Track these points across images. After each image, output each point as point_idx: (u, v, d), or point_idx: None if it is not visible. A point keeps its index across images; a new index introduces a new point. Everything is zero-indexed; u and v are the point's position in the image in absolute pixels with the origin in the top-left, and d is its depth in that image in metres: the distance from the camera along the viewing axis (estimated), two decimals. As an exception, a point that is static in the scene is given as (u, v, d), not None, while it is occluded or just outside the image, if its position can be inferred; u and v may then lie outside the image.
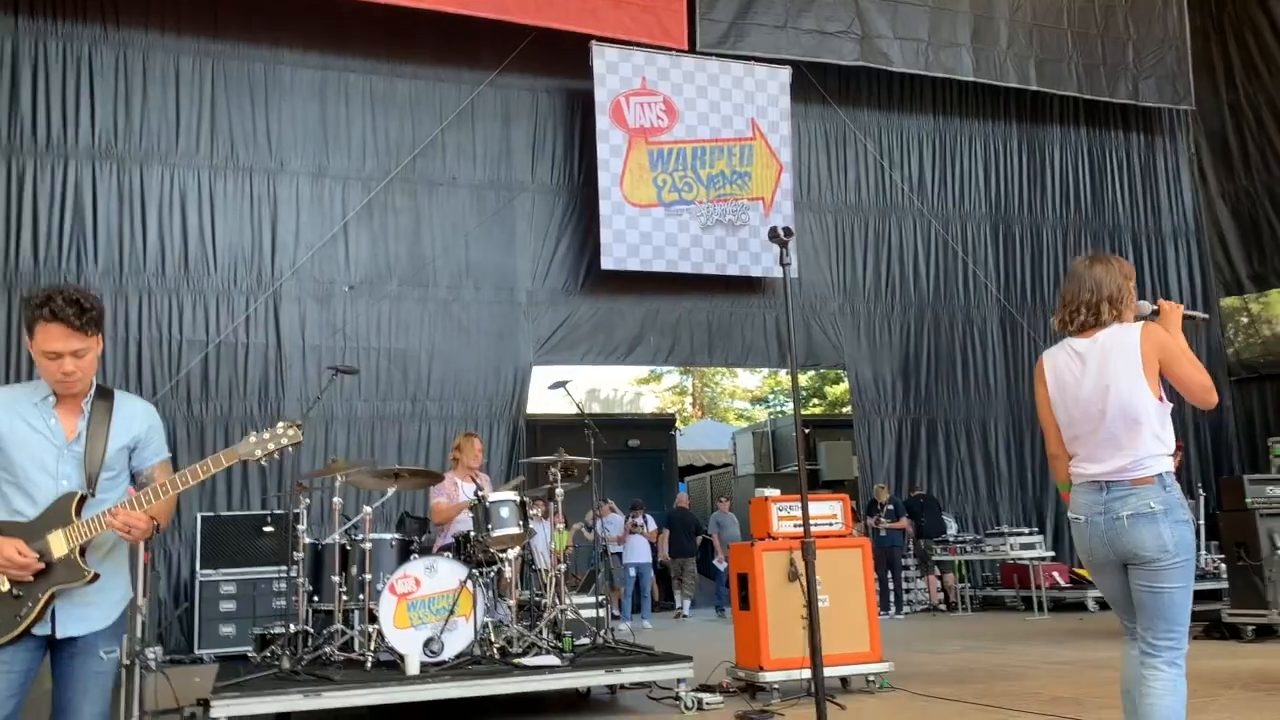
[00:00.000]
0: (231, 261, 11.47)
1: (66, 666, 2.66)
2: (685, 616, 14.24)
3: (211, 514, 10.46)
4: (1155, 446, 3.10)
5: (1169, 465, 3.13)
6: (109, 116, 11.23)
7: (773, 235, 3.04)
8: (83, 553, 2.66)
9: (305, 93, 12.01)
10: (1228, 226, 15.76)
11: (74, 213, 10.97)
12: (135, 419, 2.83)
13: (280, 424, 2.81)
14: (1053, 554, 13.01)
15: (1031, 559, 12.23)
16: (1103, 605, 11.99)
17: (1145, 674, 3.10)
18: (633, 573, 12.96)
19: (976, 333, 14.61)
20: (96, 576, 2.67)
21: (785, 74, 13.32)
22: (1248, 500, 8.14)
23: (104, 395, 2.82)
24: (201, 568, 10.02)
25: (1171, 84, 15.25)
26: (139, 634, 4.98)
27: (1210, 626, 8.53)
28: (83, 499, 2.68)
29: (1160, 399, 3.12)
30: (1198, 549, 6.79)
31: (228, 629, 9.89)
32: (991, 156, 15.16)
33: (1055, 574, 12.66)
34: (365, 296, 11.92)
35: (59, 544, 2.63)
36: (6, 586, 2.59)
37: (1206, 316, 3.04)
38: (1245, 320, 15.84)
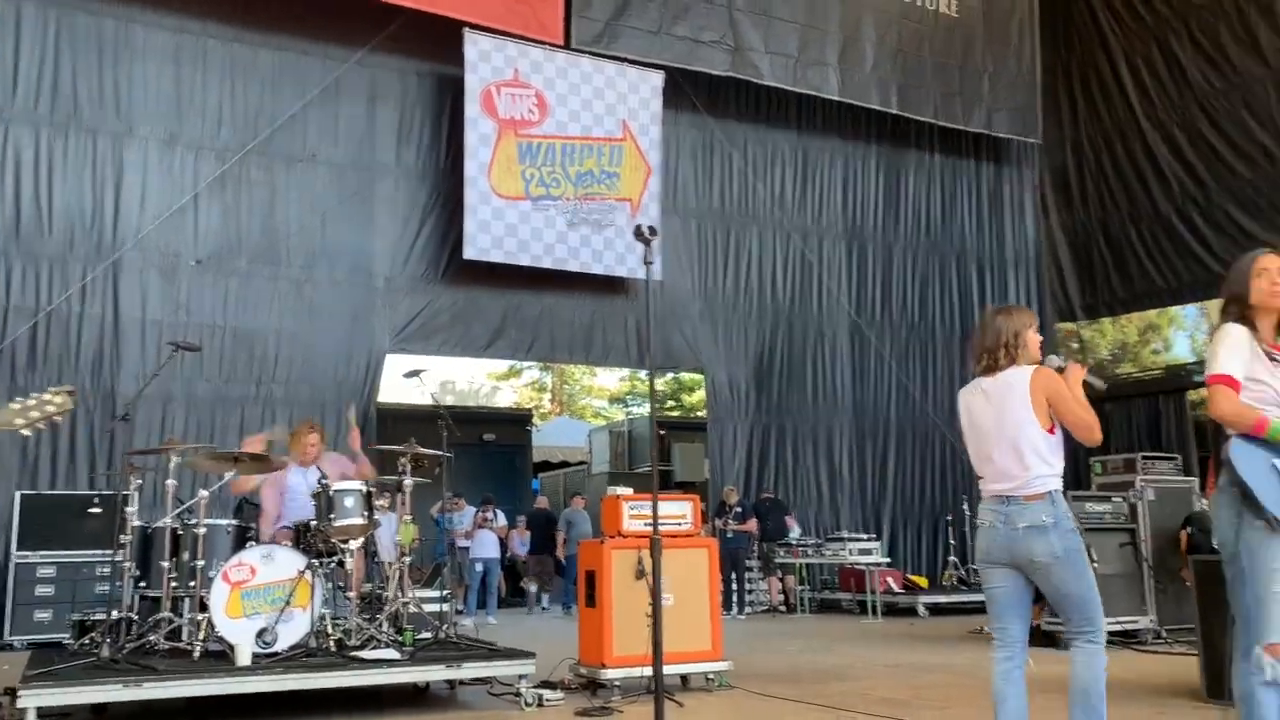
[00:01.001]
0: (68, 226, 10.80)
1: None
2: (545, 609, 14.32)
3: (33, 492, 9.84)
4: (1043, 469, 3.67)
5: (1058, 485, 3.70)
6: (-64, 62, 10.44)
7: (637, 234, 3.07)
8: None
9: (159, 55, 11.42)
10: (1065, 257, 16.72)
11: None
12: None
13: (50, 389, 2.56)
14: (888, 560, 13.53)
15: (868, 564, 12.68)
16: (933, 611, 12.56)
17: (1072, 653, 3.65)
18: (479, 568, 12.82)
19: (827, 344, 15.07)
20: None
21: (658, 78, 13.44)
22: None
23: None
24: (18, 549, 9.41)
25: (1021, 117, 16.09)
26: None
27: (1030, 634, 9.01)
28: None
29: (1050, 430, 3.68)
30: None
31: (44, 614, 9.32)
32: (850, 175, 15.66)
33: (889, 579, 13.18)
34: (213, 272, 11.42)
35: None
36: None
37: (1105, 386, 3.31)
38: (1076, 346, 16.85)
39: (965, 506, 14.71)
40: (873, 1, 14.95)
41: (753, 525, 13.14)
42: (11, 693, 5.23)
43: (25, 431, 2.44)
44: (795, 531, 13.88)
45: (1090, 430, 3.68)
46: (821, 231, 15.34)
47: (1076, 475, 14.95)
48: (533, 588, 15.05)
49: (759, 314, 14.69)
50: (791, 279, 14.98)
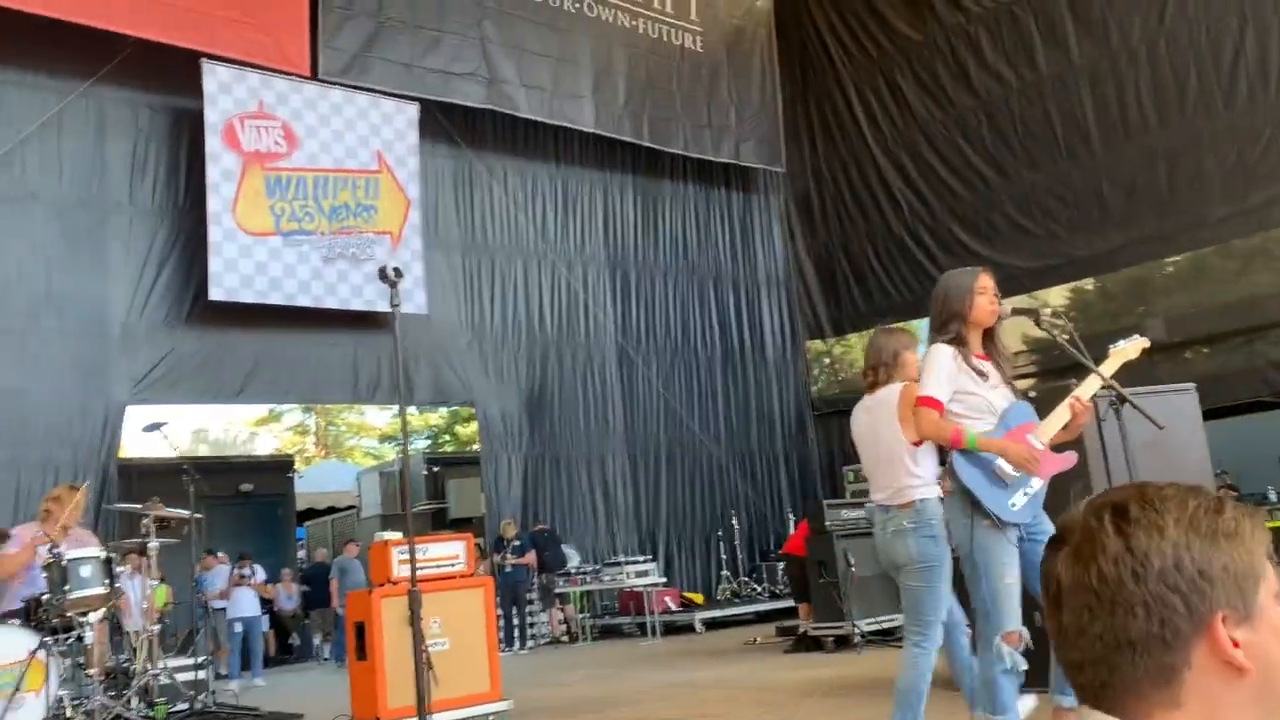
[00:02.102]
0: None
1: None
2: (328, 660, 13.69)
3: None
4: (910, 479, 3.91)
5: (926, 493, 3.91)
6: None
7: (382, 275, 2.98)
8: None
9: None
10: (811, 278, 17.71)
11: None
12: None
13: None
14: (664, 580, 13.81)
15: (645, 585, 12.89)
16: (709, 626, 12.91)
17: (903, 653, 3.92)
18: (239, 628, 12.03)
19: (597, 371, 15.28)
20: None
21: (413, 109, 13.24)
22: (826, 523, 9.09)
23: None
24: None
25: (767, 147, 16.98)
26: None
27: (796, 640, 9.43)
28: None
29: (917, 442, 3.90)
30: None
31: None
32: (610, 204, 15.99)
33: (667, 599, 13.44)
34: (-83, 325, 10.25)
35: None
36: None
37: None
38: (828, 361, 17.89)
39: (734, 521, 15.25)
40: (622, 36, 15.38)
41: (532, 558, 13.08)
42: None
43: None
44: (574, 560, 13.93)
45: (923, 434, 3.83)
46: (585, 260, 15.57)
47: (835, 483, 15.88)
48: (315, 640, 14.37)
49: (528, 344, 14.71)
50: (558, 308, 15.10)
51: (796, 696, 6.52)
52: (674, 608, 13.48)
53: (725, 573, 14.86)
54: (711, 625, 12.95)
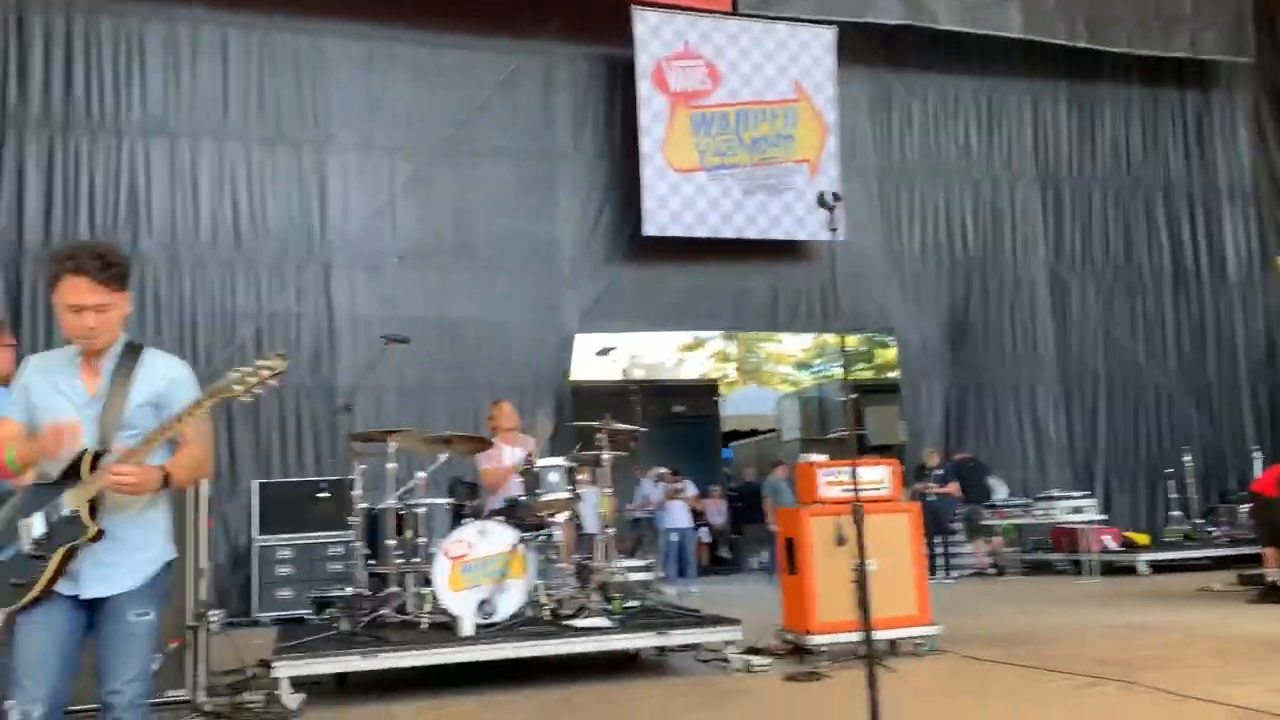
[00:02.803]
0: (282, 233, 11.65)
1: (100, 629, 2.63)
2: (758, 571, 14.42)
3: (268, 480, 10.70)
4: None
5: None
6: (159, 92, 11.41)
7: (820, 200, 3.04)
8: (93, 510, 2.60)
9: (352, 64, 12.10)
10: (1286, 185, 15.36)
11: (129, 188, 11.19)
12: (156, 376, 2.77)
13: (263, 356, 2.67)
14: (1103, 518, 12.89)
15: (1081, 522, 12.12)
16: (1155, 569, 11.91)
17: None
18: (674, 537, 13.00)
19: (1025, 295, 14.44)
20: (101, 534, 2.60)
21: (830, 34, 13.16)
22: None
23: (131, 352, 2.78)
24: (260, 533, 10.27)
25: (1231, 34, 14.82)
26: (201, 597, 5.16)
27: (1264, 590, 8.47)
28: (97, 456, 2.63)
29: None
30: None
31: (285, 593, 10.15)
32: (1040, 116, 14.90)
33: (1105, 537, 12.56)
34: (413, 268, 12.04)
35: (69, 501, 2.60)
36: (28, 547, 2.58)
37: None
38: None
39: (1185, 458, 13.85)
40: (1053, -72, 14.10)
41: (955, 488, 12.79)
42: (266, 664, 5.75)
43: (245, 398, 2.63)
44: (1001, 492, 13.43)
45: None
46: (1012, 178, 14.68)
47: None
48: (747, 554, 15.25)
49: (950, 268, 14.23)
50: (982, 230, 14.43)
51: (1265, 650, 5.87)
52: (1113, 547, 12.56)
53: (1175, 513, 13.57)
54: (1158, 568, 11.93)
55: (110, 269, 2.65)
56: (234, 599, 10.46)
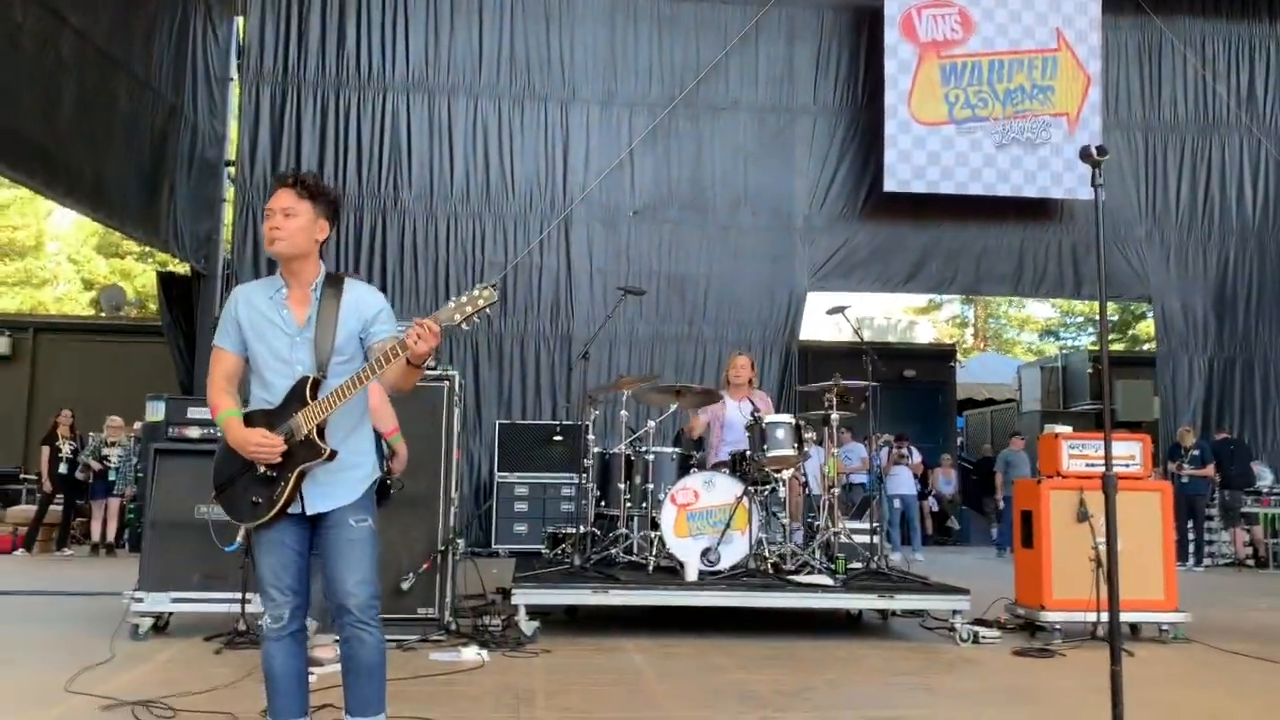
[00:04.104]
0: (528, 187, 12.16)
1: (323, 539, 2.84)
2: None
3: (508, 422, 11.30)
4: None
5: None
6: (420, 50, 12.12)
7: (1084, 155, 2.88)
8: (320, 433, 2.78)
9: (596, 17, 12.40)
10: None
11: (391, 142, 11.99)
12: (364, 304, 2.89)
13: (476, 287, 2.76)
14: (1388, 514, 11.61)
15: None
16: None
17: None
18: (897, 504, 12.71)
19: (1307, 263, 13.08)
20: (334, 454, 2.79)
21: (1096, -21, 12.28)
22: None
23: (333, 282, 2.90)
24: (499, 470, 10.90)
25: None
26: (452, 524, 5.55)
27: None
28: (316, 382, 2.79)
29: None
30: None
31: (520, 527, 10.74)
32: (1339, 64, 13.35)
33: (1391, 536, 11.31)
34: (648, 221, 12.29)
35: (299, 426, 2.76)
36: (262, 470, 2.79)
37: None
38: None
39: None
40: None
41: (1211, 470, 11.84)
42: (505, 592, 6.13)
43: (464, 326, 2.76)
44: (1267, 478, 12.32)
45: None
46: (1300, 133, 13.27)
47: None
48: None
49: (1220, 232, 13.07)
50: (1262, 190, 13.14)
51: None
52: (1399, 548, 11.30)
53: None
54: None
55: (306, 185, 2.86)
56: (474, 530, 11.19)
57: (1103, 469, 6.18)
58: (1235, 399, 12.95)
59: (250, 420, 2.83)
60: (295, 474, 2.79)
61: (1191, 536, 11.70)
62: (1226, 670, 5.19)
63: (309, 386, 2.81)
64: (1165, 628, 6.05)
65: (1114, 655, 2.46)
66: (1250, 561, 12.20)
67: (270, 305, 2.89)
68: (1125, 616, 5.87)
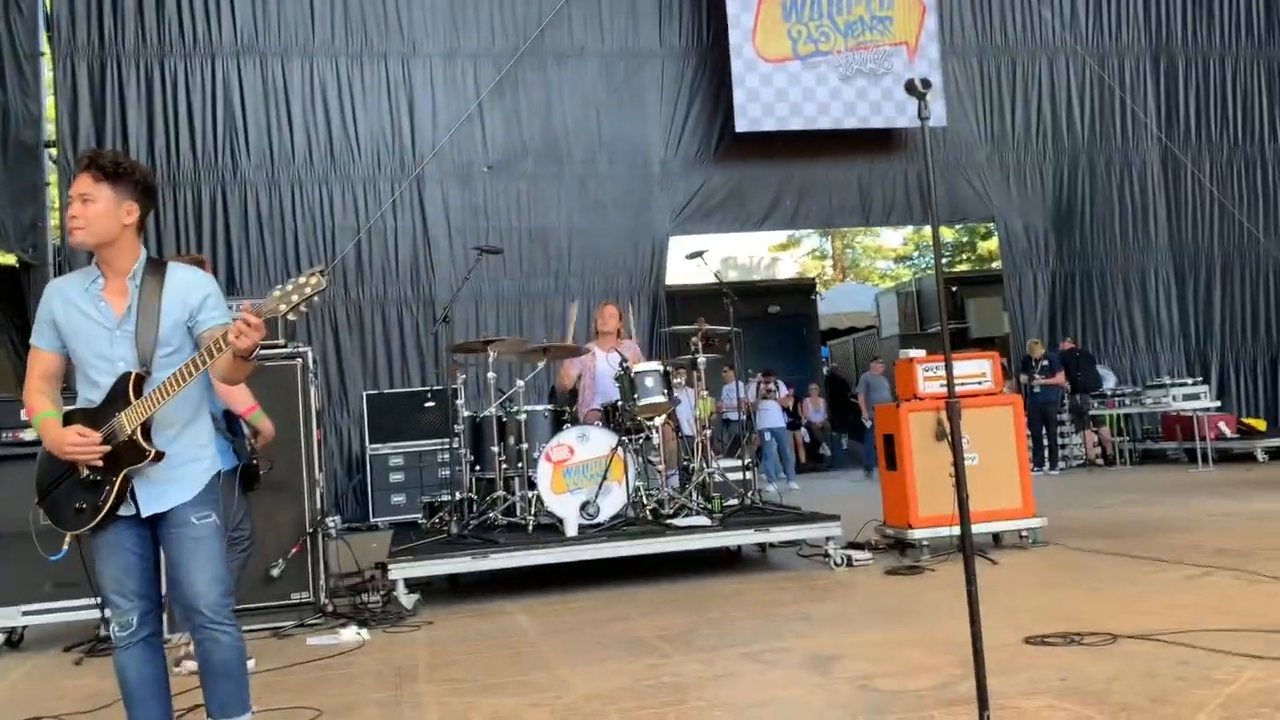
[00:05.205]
0: (374, 148, 11.78)
1: (166, 540, 2.68)
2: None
3: (376, 392, 11.04)
4: None
5: None
6: (248, 12, 11.52)
7: (909, 87, 2.90)
8: (146, 433, 2.61)
9: (432, -30, 11.99)
10: None
11: (224, 110, 11.41)
12: (188, 291, 2.72)
13: (304, 273, 2.59)
14: (1218, 404, 12.47)
15: (1195, 409, 11.76)
16: (1273, 456, 11.51)
17: None
18: (768, 437, 13.02)
19: (1136, 176, 13.80)
20: (161, 455, 2.62)
21: (924, -91, 12.50)
22: None
23: (154, 269, 2.71)
24: (370, 442, 10.66)
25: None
26: (319, 505, 5.40)
27: None
28: (140, 378, 2.62)
29: None
30: None
31: (398, 498, 10.56)
32: (1153, -17, 14.02)
33: (1221, 424, 12.17)
34: (503, 176, 12.08)
35: (123, 425, 2.59)
36: (85, 474, 2.60)
37: None
38: None
39: (1311, 340, 13.25)
40: None
41: (1061, 378, 12.49)
42: (382, 567, 6.02)
43: (291, 316, 2.60)
44: (1110, 381, 13.07)
45: None
46: (1122, 52, 13.90)
47: None
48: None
49: (1055, 152, 13.65)
50: (1089, 109, 13.76)
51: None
52: (1229, 434, 12.18)
53: (1298, 398, 13.07)
54: (1276, 455, 11.54)
55: (106, 166, 2.64)
56: (351, 505, 10.95)
57: (961, 389, 6.43)
58: (1077, 310, 13.64)
59: (70, 420, 2.64)
60: (121, 478, 2.62)
61: (1046, 443, 12.35)
62: (1083, 569, 5.50)
63: (131, 383, 2.63)
64: (1024, 533, 6.38)
65: (969, 576, 2.55)
66: (1100, 462, 12.96)
67: (86, 298, 2.68)
68: (987, 526, 6.18)
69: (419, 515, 8.60)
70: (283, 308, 2.58)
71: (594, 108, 12.36)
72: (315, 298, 2.59)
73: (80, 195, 2.64)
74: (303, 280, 2.59)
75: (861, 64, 12.38)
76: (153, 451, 2.64)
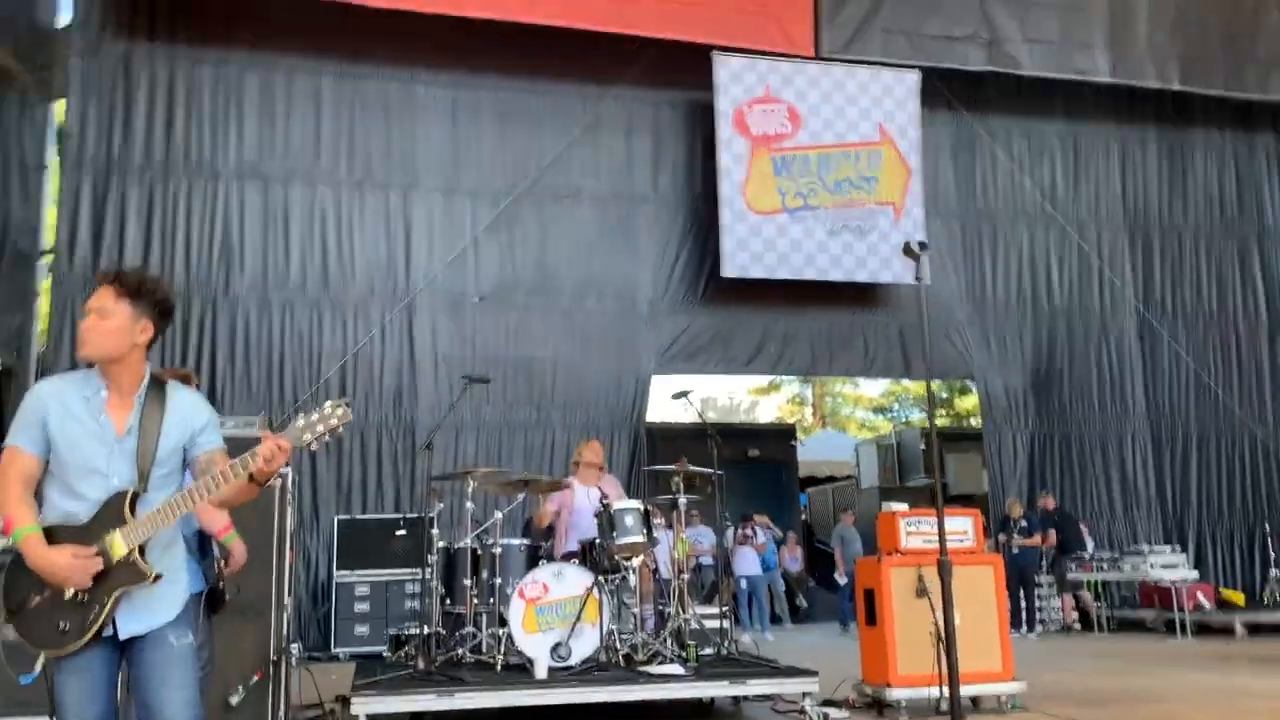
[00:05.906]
0: (368, 275, 11.92)
1: (139, 662, 2.59)
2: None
3: (347, 517, 10.86)
4: None
5: None
6: (255, 138, 11.82)
7: (907, 250, 3.00)
8: (143, 552, 2.57)
9: (439, 111, 12.38)
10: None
11: (223, 228, 11.57)
12: (191, 415, 2.71)
13: (329, 403, 2.59)
14: (1195, 575, 12.41)
15: (1173, 579, 11.68)
16: (1252, 630, 11.40)
17: None
18: (743, 584, 12.83)
19: (1113, 343, 14.07)
20: (159, 577, 2.58)
21: (913, 78, 13.10)
22: None
23: (155, 387, 2.70)
24: (338, 569, 10.42)
25: (1328, 78, 14.38)
26: (284, 631, 5.24)
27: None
28: (135, 496, 2.59)
29: None
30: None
31: (362, 629, 10.26)
32: (1129, 161, 14.60)
33: (1199, 595, 12.09)
34: (494, 308, 12.21)
35: (118, 545, 2.53)
36: (71, 593, 2.53)
37: None
38: None
39: (1287, 513, 13.31)
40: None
41: (1038, 539, 12.44)
42: (344, 700, 5.81)
43: (313, 446, 2.58)
44: (1089, 545, 13.03)
45: None
46: (1099, 223, 14.38)
47: None
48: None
49: (1034, 315, 13.95)
50: (1068, 276, 14.13)
51: None
52: (1207, 606, 12.08)
53: (1276, 572, 13.00)
54: (1256, 630, 11.43)
55: (127, 283, 2.65)
56: (312, 633, 10.63)
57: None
58: (1055, 471, 13.68)
59: (53, 536, 2.55)
60: (113, 597, 2.54)
61: (1024, 605, 12.20)
62: (1062, 738, 5.36)
63: (128, 501, 2.58)
64: (1004, 698, 6.24)
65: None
66: (1078, 626, 12.79)
67: (86, 409, 2.64)
68: (966, 689, 6.02)
69: (383, 647, 8.35)
70: (307, 437, 2.57)
71: (586, 246, 12.62)
72: (341, 429, 2.59)
73: (98, 309, 2.64)
74: (328, 411, 2.59)
75: (849, 219, 12.75)
76: (153, 573, 2.57)
